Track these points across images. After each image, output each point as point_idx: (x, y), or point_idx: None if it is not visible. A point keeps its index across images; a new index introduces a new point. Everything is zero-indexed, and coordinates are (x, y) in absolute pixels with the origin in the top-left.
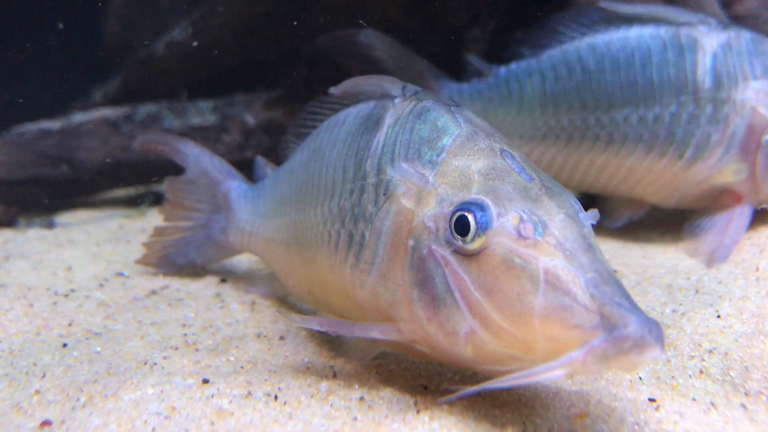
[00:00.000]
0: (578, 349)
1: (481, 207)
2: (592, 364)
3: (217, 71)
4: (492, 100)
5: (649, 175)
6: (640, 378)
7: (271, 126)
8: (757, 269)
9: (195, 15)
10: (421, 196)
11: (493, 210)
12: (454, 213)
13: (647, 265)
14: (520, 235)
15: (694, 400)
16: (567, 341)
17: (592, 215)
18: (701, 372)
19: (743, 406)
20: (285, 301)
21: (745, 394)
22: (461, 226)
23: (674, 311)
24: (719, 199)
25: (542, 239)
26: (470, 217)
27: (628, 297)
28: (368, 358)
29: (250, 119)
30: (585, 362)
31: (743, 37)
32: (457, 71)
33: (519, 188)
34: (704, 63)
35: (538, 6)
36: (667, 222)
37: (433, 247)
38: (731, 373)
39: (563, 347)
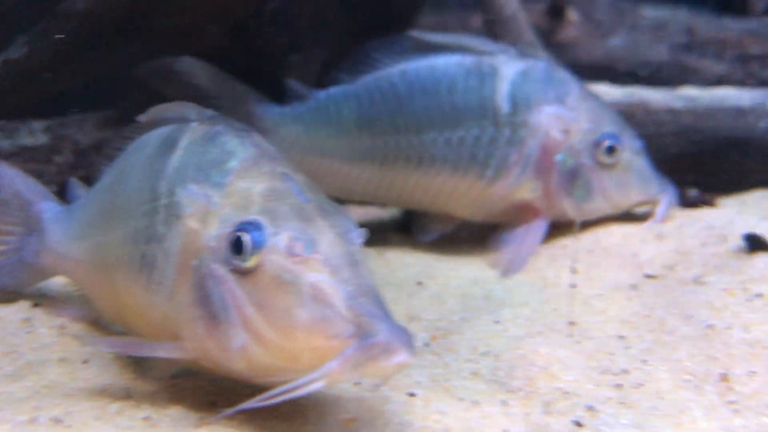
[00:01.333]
0: (336, 358)
1: (257, 227)
2: (348, 372)
3: (54, 91)
4: (313, 123)
5: (456, 193)
6: (418, 382)
7: (104, 146)
8: (545, 278)
9: (31, 33)
10: (207, 216)
11: (269, 229)
12: (232, 233)
13: (452, 276)
14: (291, 253)
15: (460, 399)
16: (328, 351)
17: (360, 234)
18: (474, 373)
19: (503, 402)
20: (97, 324)
21: (508, 390)
22: (238, 246)
23: (462, 318)
24: (520, 214)
25: (311, 256)
26: (246, 237)
27: (382, 308)
28: (166, 377)
29: (83, 139)
30: (342, 370)
31: (538, 65)
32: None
33: (295, 209)
34: (503, 89)
35: (375, 33)
36: (478, 236)
37: (213, 266)
38: (499, 372)
39: (325, 357)
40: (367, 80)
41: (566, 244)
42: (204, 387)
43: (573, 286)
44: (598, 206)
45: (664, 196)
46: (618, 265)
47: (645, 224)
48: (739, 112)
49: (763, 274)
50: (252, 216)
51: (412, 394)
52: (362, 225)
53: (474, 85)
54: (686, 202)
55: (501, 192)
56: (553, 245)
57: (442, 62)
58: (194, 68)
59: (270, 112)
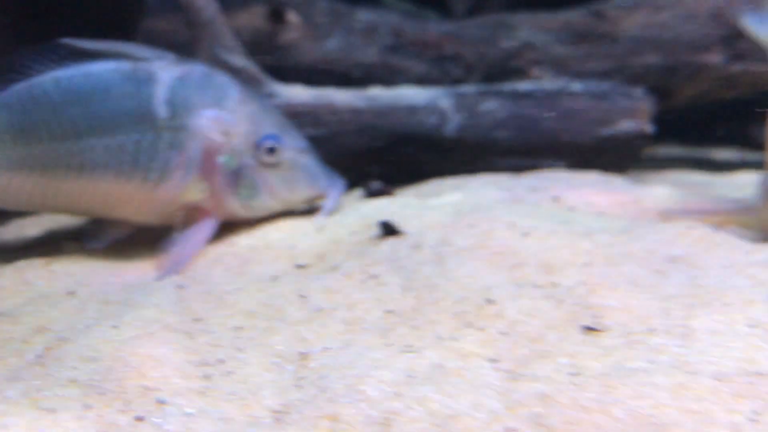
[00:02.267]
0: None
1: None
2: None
3: None
4: None
5: (123, 198)
6: (8, 397)
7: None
8: (194, 277)
9: None
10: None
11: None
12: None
13: (109, 283)
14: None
15: (40, 408)
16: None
17: None
18: (71, 380)
19: (87, 405)
20: None
21: (99, 393)
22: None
23: (86, 326)
24: (191, 216)
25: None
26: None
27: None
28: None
29: None
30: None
31: (196, 70)
32: None
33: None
34: (160, 94)
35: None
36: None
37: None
38: (96, 377)
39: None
40: (18, 88)
41: (235, 242)
42: None
43: (220, 283)
44: (266, 204)
45: (332, 191)
46: (274, 258)
47: (313, 217)
48: (413, 109)
49: (383, 256)
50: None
51: None
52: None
53: (131, 91)
54: (370, 193)
55: (167, 195)
56: (222, 244)
57: (97, 69)
58: None
59: None
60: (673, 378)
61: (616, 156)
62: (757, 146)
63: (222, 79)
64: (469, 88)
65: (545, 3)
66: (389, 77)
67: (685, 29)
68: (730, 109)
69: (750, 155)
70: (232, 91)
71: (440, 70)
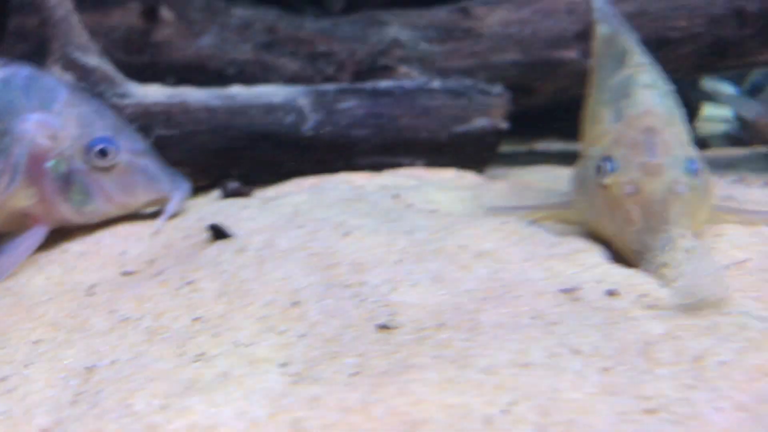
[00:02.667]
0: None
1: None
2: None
3: None
4: None
5: None
6: None
7: None
8: (8, 287)
9: None
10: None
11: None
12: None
13: None
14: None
15: None
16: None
17: None
18: None
19: None
20: None
21: None
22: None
23: None
24: (22, 223)
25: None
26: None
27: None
28: None
29: None
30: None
31: (20, 73)
32: None
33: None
34: None
35: None
36: None
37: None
38: None
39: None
40: None
41: (67, 248)
42: None
43: (35, 294)
44: (102, 209)
45: (175, 193)
46: (101, 265)
47: (155, 221)
48: (271, 108)
49: (207, 261)
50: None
51: None
52: None
53: None
54: (226, 194)
55: None
56: (54, 250)
57: None
58: None
59: None
60: (444, 373)
61: (473, 152)
62: None
63: (49, 81)
64: (329, 87)
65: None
66: (263, 75)
67: (544, 25)
68: None
69: None
70: (60, 93)
71: (313, 67)
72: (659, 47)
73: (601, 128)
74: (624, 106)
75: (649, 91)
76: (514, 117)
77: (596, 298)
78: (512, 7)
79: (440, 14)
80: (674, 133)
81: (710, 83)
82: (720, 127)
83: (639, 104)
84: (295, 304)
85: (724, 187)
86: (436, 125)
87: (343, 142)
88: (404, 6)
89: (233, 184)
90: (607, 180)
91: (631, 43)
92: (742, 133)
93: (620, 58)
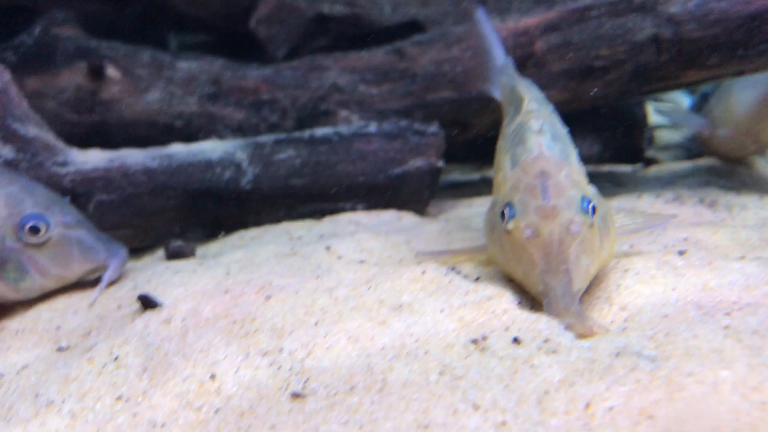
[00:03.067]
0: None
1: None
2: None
3: None
4: None
5: None
6: None
7: None
8: None
9: None
10: None
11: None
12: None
13: None
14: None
15: None
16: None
17: None
18: None
19: None
20: None
21: None
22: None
23: None
24: None
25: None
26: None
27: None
28: None
29: None
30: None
31: None
32: None
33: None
34: None
35: None
36: None
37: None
38: None
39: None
40: None
41: (4, 326)
42: None
43: None
44: (37, 284)
45: (112, 261)
46: (37, 342)
47: (92, 291)
48: (209, 164)
49: (134, 333)
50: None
51: None
52: None
53: None
54: (169, 255)
55: None
56: None
57: None
58: None
59: None
60: None
61: (411, 192)
62: (581, 160)
63: None
64: (266, 138)
65: (367, 41)
66: (210, 126)
67: (473, 62)
68: None
69: None
70: None
71: (258, 116)
72: (586, 75)
73: (502, 175)
74: (519, 152)
75: (539, 137)
76: (465, 144)
77: (502, 346)
78: (443, 47)
79: (377, 56)
80: (567, 174)
81: (667, 95)
82: (677, 136)
83: (531, 150)
84: (213, 377)
85: (659, 208)
86: (373, 169)
87: (282, 193)
88: (345, 49)
89: (176, 244)
90: (509, 225)
91: (524, 91)
92: (693, 144)
93: (517, 106)
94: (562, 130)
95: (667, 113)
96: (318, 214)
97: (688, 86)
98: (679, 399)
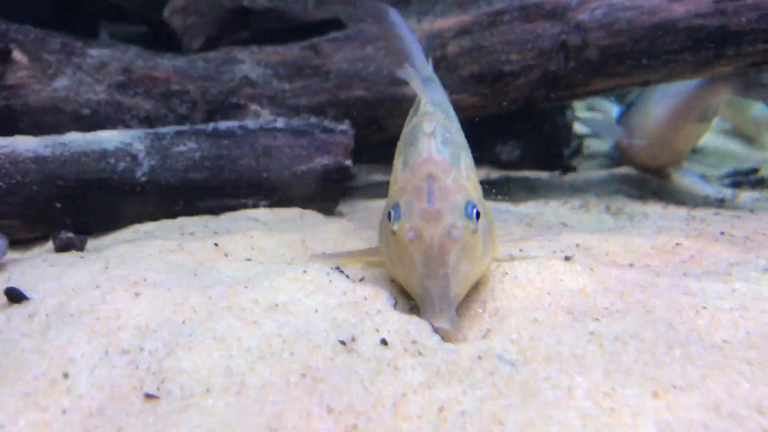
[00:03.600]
0: None
1: None
2: None
3: None
4: None
5: None
6: None
7: None
8: None
9: None
10: None
11: None
12: None
13: None
14: None
15: None
16: None
17: None
18: None
19: None
20: None
21: None
22: None
23: None
24: None
25: None
26: None
27: None
28: None
29: None
30: None
31: None
32: None
33: None
34: None
35: None
36: None
37: None
38: None
39: None
40: None
41: None
42: None
43: None
44: None
45: None
46: None
47: None
48: (104, 154)
49: None
50: None
51: None
52: None
53: None
54: (58, 247)
55: None
56: None
57: None
58: None
59: None
60: None
61: (318, 190)
62: (501, 165)
63: None
64: (168, 130)
65: (284, 36)
66: (118, 115)
67: (386, 63)
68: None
69: (495, 173)
70: None
71: (167, 107)
72: (497, 80)
73: (395, 176)
74: (410, 153)
75: (430, 139)
76: (384, 144)
77: (369, 348)
78: (358, 45)
79: (293, 51)
80: (454, 178)
81: (594, 102)
82: (606, 145)
83: (421, 152)
84: (66, 376)
85: (563, 214)
86: (277, 165)
87: (179, 186)
88: (263, 43)
89: (65, 236)
90: (394, 227)
91: (424, 92)
92: (614, 153)
93: (416, 107)
94: (457, 134)
95: (587, 122)
96: (219, 209)
97: (596, 95)
98: (531, 404)
